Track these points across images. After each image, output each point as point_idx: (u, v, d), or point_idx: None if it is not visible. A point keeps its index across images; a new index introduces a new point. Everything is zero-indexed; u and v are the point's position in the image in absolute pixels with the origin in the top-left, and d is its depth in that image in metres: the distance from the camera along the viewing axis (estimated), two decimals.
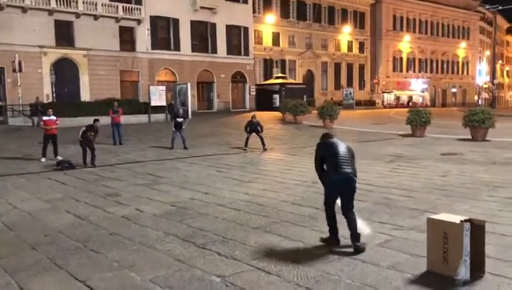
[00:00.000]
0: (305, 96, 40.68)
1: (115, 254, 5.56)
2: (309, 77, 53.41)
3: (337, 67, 56.42)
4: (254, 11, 44.84)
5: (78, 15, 32.34)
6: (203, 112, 37.41)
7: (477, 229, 4.63)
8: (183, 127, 16.63)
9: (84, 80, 33.33)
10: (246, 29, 42.02)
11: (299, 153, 15.21)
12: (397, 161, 12.97)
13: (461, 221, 4.57)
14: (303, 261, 5.15)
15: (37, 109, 25.33)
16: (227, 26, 40.29)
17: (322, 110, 24.88)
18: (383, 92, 60.20)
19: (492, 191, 8.74)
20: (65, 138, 19.90)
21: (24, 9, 30.28)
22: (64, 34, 32.20)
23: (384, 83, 61.22)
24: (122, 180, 10.89)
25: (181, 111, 17.06)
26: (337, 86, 55.51)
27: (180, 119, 16.54)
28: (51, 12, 31.23)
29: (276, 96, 41.67)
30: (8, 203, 8.54)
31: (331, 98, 46.05)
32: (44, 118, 14.62)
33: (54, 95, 30.86)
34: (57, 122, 14.49)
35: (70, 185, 10.47)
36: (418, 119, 19.35)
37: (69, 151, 16.06)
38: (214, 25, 39.55)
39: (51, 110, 14.76)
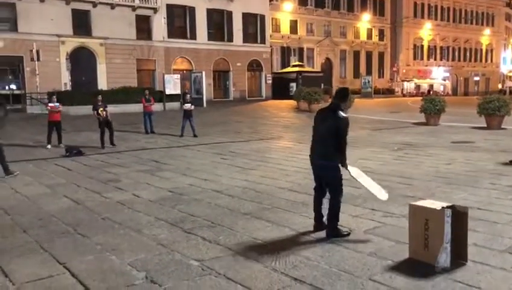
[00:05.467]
0: (322, 85, 40.32)
1: (101, 237, 5.61)
2: (327, 65, 52.92)
3: (356, 55, 55.74)
4: None
5: (94, 4, 32.62)
6: (219, 100, 37.48)
7: (460, 216, 4.51)
8: (193, 114, 16.62)
9: (101, 69, 33.69)
10: (263, 17, 41.76)
11: (307, 141, 14.99)
12: (405, 149, 12.76)
13: (442, 207, 4.46)
14: (285, 247, 5.11)
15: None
16: (243, 14, 40.11)
17: None
18: (403, 81, 59.26)
19: (495, 179, 8.53)
20: (82, 125, 20.28)
21: None
22: (81, 23, 32.55)
23: (404, 71, 60.24)
24: (125, 167, 10.99)
25: (188, 98, 17.00)
26: (356, 74, 54.88)
27: (187, 106, 16.54)
28: (67, 1, 31.59)
29: (293, 85, 41.40)
30: (10, 188, 8.70)
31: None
32: (50, 104, 14.83)
33: (71, 83, 31.26)
34: (60, 108, 14.71)
35: (74, 171, 10.62)
36: (432, 107, 18.97)
37: (82, 138, 16.33)
38: (230, 13, 39.43)
39: (55, 96, 14.98)
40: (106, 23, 32.92)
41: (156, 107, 28.91)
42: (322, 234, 5.52)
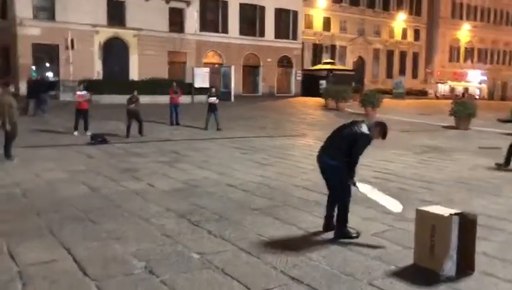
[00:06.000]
0: (353, 83, 39.79)
1: (110, 225, 5.68)
2: (359, 63, 52.16)
3: (390, 54, 54.74)
4: None
5: None
6: (248, 95, 37.47)
7: (468, 224, 4.36)
8: (217, 108, 16.68)
9: (133, 60, 34.17)
10: (295, 13, 41.47)
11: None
12: (429, 153, 12.45)
13: (450, 214, 4.31)
14: (289, 246, 5.06)
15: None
16: (276, 9, 39.95)
17: (363, 97, 24.24)
18: (437, 83, 57.87)
19: None
20: (111, 114, 20.60)
21: None
22: (116, 13, 33.04)
23: (439, 72, 58.82)
24: (146, 157, 11.12)
25: (213, 91, 17.05)
26: (389, 74, 53.93)
27: (212, 100, 16.60)
28: None
29: (323, 82, 40.92)
30: (32, 173, 8.92)
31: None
32: (78, 92, 15.13)
33: (103, 73, 31.85)
34: (86, 97, 14.95)
35: (96, 159, 10.82)
36: (462, 110, 18.45)
37: (109, 126, 16.56)
38: (262, 8, 39.32)
39: (82, 85, 15.27)
40: (140, 15, 33.30)
41: (185, 99, 29.23)
42: (331, 234, 5.44)
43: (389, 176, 9.09)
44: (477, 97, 53.81)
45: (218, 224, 5.80)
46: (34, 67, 29.82)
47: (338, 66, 45.16)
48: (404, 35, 55.52)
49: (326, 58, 47.01)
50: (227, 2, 37.37)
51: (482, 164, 10.68)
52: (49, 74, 31.38)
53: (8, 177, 8.44)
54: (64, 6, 30.63)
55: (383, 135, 5.43)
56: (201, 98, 29.81)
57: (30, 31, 29.97)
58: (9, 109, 9.44)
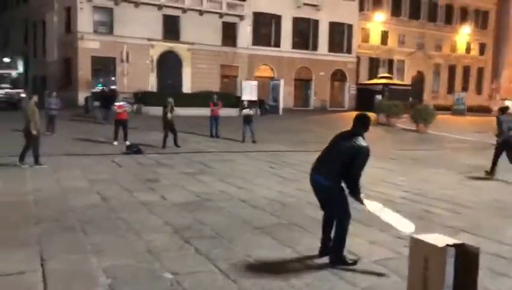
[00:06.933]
0: (410, 98, 38.34)
1: (99, 237, 5.54)
2: (419, 78, 50.27)
3: (452, 69, 52.35)
4: (362, 9, 43.31)
5: (184, 10, 33.80)
6: (299, 109, 37.05)
7: (469, 258, 3.76)
8: (252, 120, 16.50)
9: (187, 73, 34.81)
10: (350, 26, 40.71)
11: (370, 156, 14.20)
12: (472, 173, 11.47)
13: (447, 245, 3.75)
14: (274, 270, 4.67)
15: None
16: (330, 23, 39.40)
17: (415, 112, 23.14)
18: (503, 99, 54.48)
19: None
20: (156, 125, 20.81)
21: (136, 4, 32.36)
22: (171, 28, 33.87)
23: (506, 89, 55.43)
24: (173, 168, 11.05)
25: (246, 103, 16.90)
26: (451, 90, 51.50)
27: (246, 111, 16.44)
28: (160, 7, 33.04)
29: (379, 97, 39.74)
30: (54, 180, 9.05)
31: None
32: (116, 103, 15.40)
33: (157, 85, 32.66)
34: (125, 108, 15.19)
35: (124, 168, 10.88)
36: None
37: (150, 137, 16.69)
38: (316, 22, 38.93)
39: (121, 96, 15.53)
40: (194, 29, 33.94)
41: (231, 112, 29.38)
42: (327, 259, 4.98)
43: (417, 197, 8.40)
44: None
45: (210, 242, 5.49)
46: (101, 79, 31.21)
47: (394, 81, 43.71)
48: (468, 49, 52.96)
49: (383, 73, 45.69)
50: (280, 16, 37.33)
51: None
52: (114, 85, 32.60)
53: (28, 184, 8.61)
54: (122, 21, 31.82)
55: (366, 127, 5.04)
56: (248, 111, 29.85)
57: (90, 44, 31.37)
58: (33, 116, 9.72)
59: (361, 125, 5.04)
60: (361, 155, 4.82)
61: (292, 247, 5.42)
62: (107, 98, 21.37)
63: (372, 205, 5.09)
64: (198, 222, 6.37)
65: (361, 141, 4.83)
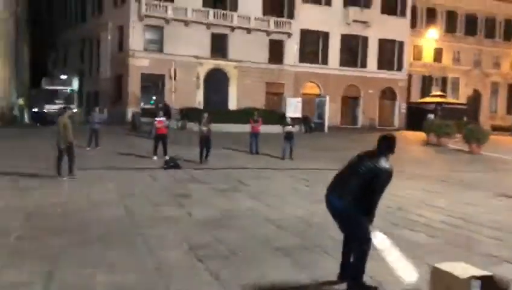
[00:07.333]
0: (465, 118, 36.71)
1: (114, 252, 5.46)
2: (475, 97, 48.17)
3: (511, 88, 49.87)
4: (415, 26, 42.27)
5: (232, 28, 34.22)
6: (346, 127, 36.33)
7: None
8: (294, 137, 16.24)
9: (233, 90, 35.06)
10: (401, 43, 39.73)
11: (416, 178, 13.52)
12: None
13: (473, 276, 3.30)
14: None
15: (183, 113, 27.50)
16: (380, 40, 38.62)
17: (468, 132, 21.98)
18: None
19: None
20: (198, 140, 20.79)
21: (186, 23, 33.10)
22: (218, 46, 34.32)
23: None
24: (207, 184, 10.92)
25: (289, 120, 16.65)
26: (510, 110, 49.05)
27: (288, 128, 16.19)
28: (208, 25, 33.60)
29: (431, 116, 38.34)
30: (85, 193, 9.12)
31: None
32: (157, 118, 15.54)
33: (204, 102, 33.04)
34: (164, 123, 15.29)
35: (158, 183, 10.88)
36: None
37: (191, 152, 16.59)
38: (365, 39, 38.27)
39: (161, 112, 15.67)
40: (241, 47, 34.20)
41: (276, 129, 29.17)
42: (345, 285, 4.59)
43: (460, 222, 7.77)
44: None
45: (224, 262, 5.24)
46: (154, 96, 32.03)
47: (448, 100, 42.08)
48: None
49: (436, 91, 44.15)
50: (328, 33, 37.02)
51: None
52: (167, 102, 33.29)
53: (59, 196, 8.73)
54: (172, 39, 32.57)
55: (391, 149, 4.63)
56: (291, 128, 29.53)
57: (140, 62, 32.31)
58: (63, 130, 9.91)
59: (386, 146, 4.66)
60: (382, 176, 4.45)
61: (310, 270, 5.07)
62: (162, 114, 21.69)
63: (381, 241, 4.65)
64: (218, 240, 6.13)
65: (384, 163, 4.46)
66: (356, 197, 4.41)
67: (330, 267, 5.16)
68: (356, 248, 4.55)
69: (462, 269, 3.51)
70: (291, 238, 6.38)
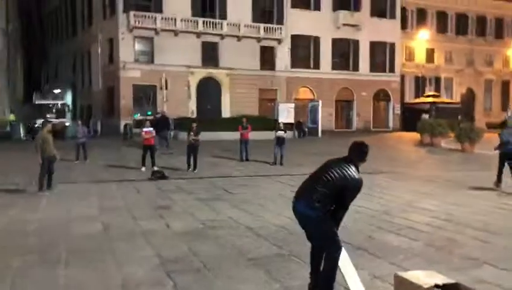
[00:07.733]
0: (459, 117, 36.63)
1: (78, 271, 5.27)
2: (469, 96, 48.11)
3: (505, 85, 49.82)
4: (405, 27, 42.29)
5: (222, 36, 34.13)
6: (340, 131, 36.19)
7: None
8: (284, 142, 16.11)
9: (225, 98, 34.94)
10: (392, 45, 39.73)
11: (406, 179, 13.35)
12: None
13: (435, 285, 3.12)
14: None
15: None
16: (371, 42, 38.63)
17: (460, 131, 21.84)
18: None
19: None
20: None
21: (176, 33, 33.00)
22: (209, 54, 34.23)
23: None
24: (190, 194, 10.73)
25: (281, 126, 16.53)
26: (505, 107, 48.89)
27: (280, 133, 16.09)
28: (198, 34, 33.54)
29: (426, 116, 38.24)
30: (65, 208, 8.91)
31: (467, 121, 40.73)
32: (144, 129, 15.36)
33: (197, 111, 32.89)
34: (153, 133, 15.14)
35: (142, 195, 10.70)
36: None
37: (179, 161, 16.44)
38: (356, 42, 38.27)
39: (148, 122, 15.52)
40: (232, 55, 34.11)
41: (268, 135, 28.99)
42: None
43: (445, 224, 7.59)
44: None
45: (193, 276, 5.05)
46: (149, 107, 31.85)
47: (442, 99, 42.05)
48: None
49: (430, 91, 44.09)
50: (319, 37, 36.99)
51: None
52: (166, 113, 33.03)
53: (37, 212, 8.52)
54: (162, 49, 32.45)
55: (362, 157, 4.45)
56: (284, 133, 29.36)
57: (131, 73, 32.20)
58: (42, 143, 9.73)
59: (357, 153, 4.48)
60: (352, 188, 4.28)
61: (284, 282, 4.88)
62: (161, 124, 21.40)
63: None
64: (192, 252, 5.94)
65: (354, 172, 4.27)
66: (323, 204, 4.24)
67: (306, 277, 4.96)
68: (326, 257, 4.36)
69: (426, 277, 3.32)
70: (268, 247, 6.19)
